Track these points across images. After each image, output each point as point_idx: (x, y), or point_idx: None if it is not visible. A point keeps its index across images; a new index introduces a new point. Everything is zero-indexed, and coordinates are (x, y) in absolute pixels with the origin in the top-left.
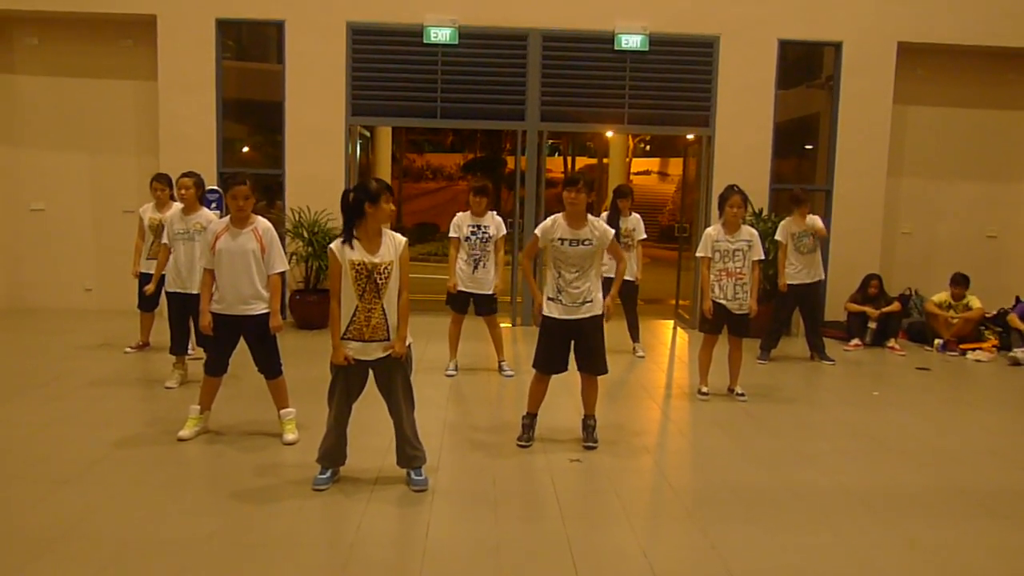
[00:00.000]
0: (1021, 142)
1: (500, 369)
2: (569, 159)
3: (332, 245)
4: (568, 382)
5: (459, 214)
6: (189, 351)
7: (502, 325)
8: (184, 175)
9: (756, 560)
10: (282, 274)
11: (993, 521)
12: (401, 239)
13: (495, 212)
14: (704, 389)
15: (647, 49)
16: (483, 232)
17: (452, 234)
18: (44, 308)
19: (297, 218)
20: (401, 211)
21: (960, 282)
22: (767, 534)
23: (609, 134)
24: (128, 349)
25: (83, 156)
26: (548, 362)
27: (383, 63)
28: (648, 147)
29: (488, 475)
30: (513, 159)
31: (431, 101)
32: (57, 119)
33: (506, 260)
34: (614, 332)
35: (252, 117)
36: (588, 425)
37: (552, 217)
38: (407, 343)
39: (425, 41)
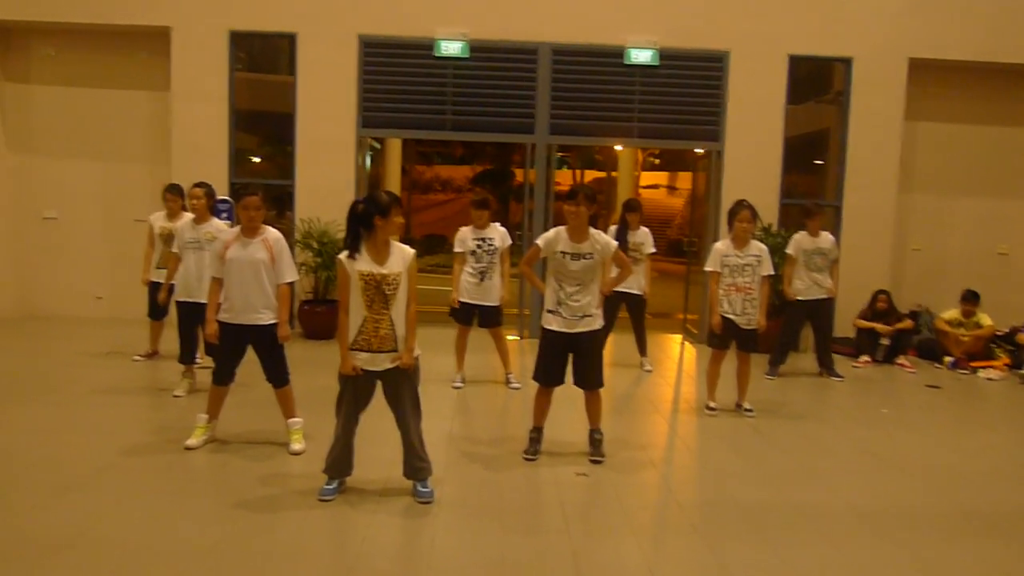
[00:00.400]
0: None
1: (507, 382)
2: (578, 172)
3: (341, 256)
4: (574, 396)
5: (462, 229)
6: (197, 360)
7: (508, 338)
8: (196, 185)
9: None
10: (291, 284)
11: (1001, 542)
12: (410, 251)
13: (498, 224)
14: (712, 404)
15: (657, 63)
16: (488, 244)
17: (457, 249)
18: (55, 316)
19: (307, 229)
20: (410, 223)
21: (970, 299)
22: (773, 552)
23: (618, 148)
24: (137, 357)
25: (96, 165)
26: (546, 374)
27: (394, 75)
28: (657, 161)
29: (494, 488)
30: (522, 172)
31: (441, 113)
32: (71, 129)
33: (513, 272)
34: (621, 346)
35: (263, 128)
36: (594, 439)
37: (555, 229)
38: (415, 354)
39: (436, 54)
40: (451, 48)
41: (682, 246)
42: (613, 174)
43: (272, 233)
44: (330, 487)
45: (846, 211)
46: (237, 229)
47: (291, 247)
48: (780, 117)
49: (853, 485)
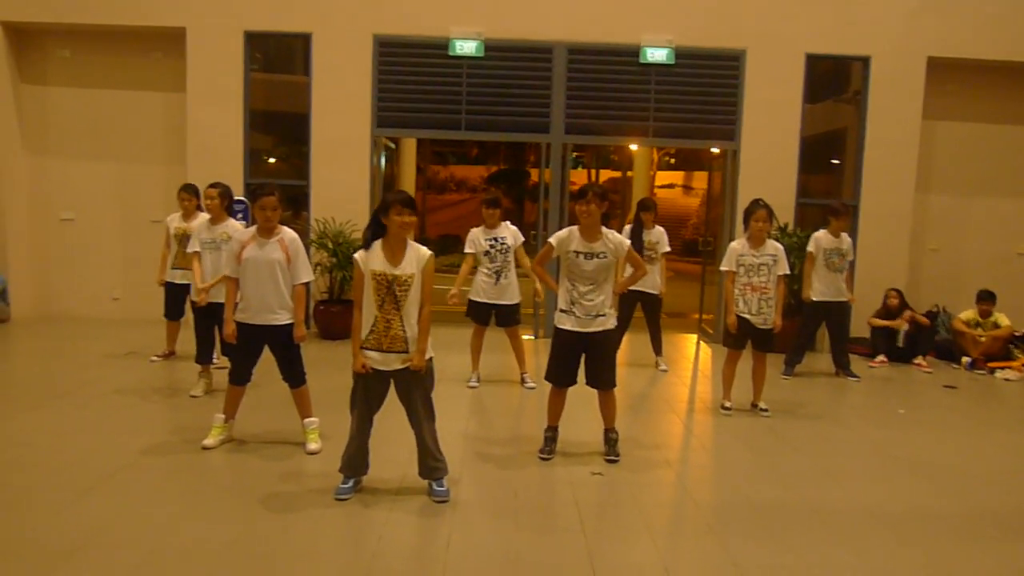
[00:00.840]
0: None
1: (522, 381)
2: (593, 172)
3: (356, 254)
4: (590, 396)
5: (474, 230)
6: (214, 360)
7: (524, 337)
8: (211, 186)
9: None
10: (307, 284)
11: (1019, 543)
12: (426, 252)
13: (508, 222)
14: (727, 404)
15: (673, 62)
16: (501, 243)
17: (468, 250)
18: (72, 316)
19: (322, 229)
20: (424, 222)
21: (986, 298)
22: (789, 552)
23: (633, 147)
24: (154, 358)
25: (112, 166)
26: (559, 374)
27: (409, 75)
28: (673, 160)
29: (509, 487)
30: (537, 172)
31: (456, 113)
32: (87, 130)
33: (519, 272)
34: (637, 346)
35: (278, 128)
36: (610, 438)
37: (568, 229)
38: (428, 357)
39: (451, 53)
40: (466, 48)
41: (697, 246)
42: (628, 174)
43: (288, 233)
44: (346, 486)
45: (863, 211)
46: (253, 229)
47: (306, 247)
48: (797, 116)
49: (869, 485)
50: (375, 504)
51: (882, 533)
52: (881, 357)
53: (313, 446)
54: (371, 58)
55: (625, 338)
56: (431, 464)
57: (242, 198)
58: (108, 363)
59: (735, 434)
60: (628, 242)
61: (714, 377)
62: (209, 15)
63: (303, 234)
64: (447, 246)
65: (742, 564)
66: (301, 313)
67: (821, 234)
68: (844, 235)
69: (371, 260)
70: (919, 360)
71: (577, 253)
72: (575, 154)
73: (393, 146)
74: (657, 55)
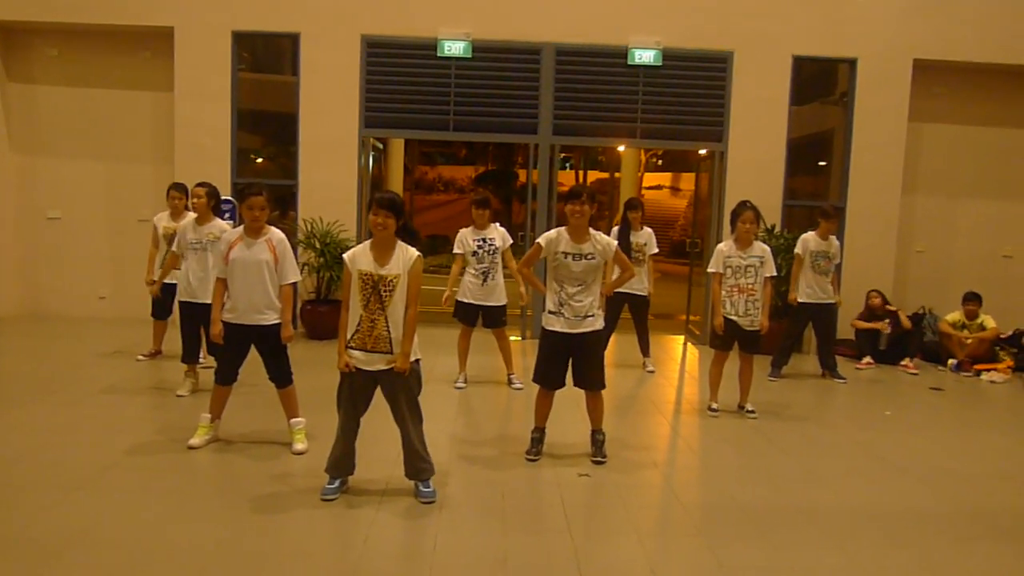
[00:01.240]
0: None
1: (509, 382)
2: (581, 173)
3: (345, 254)
4: (576, 397)
5: (462, 230)
6: (200, 360)
7: (511, 338)
8: (198, 185)
9: None
10: (294, 285)
11: (1006, 544)
12: (413, 253)
13: (498, 224)
14: (714, 405)
15: (660, 64)
16: (489, 244)
17: (457, 250)
18: (58, 315)
19: (309, 229)
20: (412, 223)
21: (972, 299)
22: (776, 554)
23: (621, 148)
24: (140, 357)
25: (100, 165)
26: (547, 376)
27: (397, 76)
28: (660, 162)
29: (496, 488)
30: (525, 172)
31: (444, 114)
32: (75, 129)
33: (506, 273)
34: (624, 347)
35: (266, 128)
36: (596, 440)
37: (556, 230)
38: (414, 359)
39: (439, 54)
40: (454, 48)
41: (685, 247)
42: (616, 175)
43: (276, 234)
44: (332, 486)
45: (850, 213)
46: (241, 229)
47: (294, 247)
48: (784, 118)
49: (856, 487)
50: (362, 505)
51: (870, 534)
52: (867, 359)
53: (300, 446)
54: (359, 58)
55: (612, 339)
56: (418, 465)
57: (229, 198)
58: (94, 362)
59: (722, 435)
60: (616, 243)
61: (701, 378)
62: (197, 15)
63: (291, 234)
64: (435, 247)
65: (728, 565)
66: (288, 313)
67: (809, 236)
68: (832, 238)
69: (359, 260)
70: (906, 362)
71: (565, 254)
72: (563, 155)
73: (381, 146)
74: (645, 56)
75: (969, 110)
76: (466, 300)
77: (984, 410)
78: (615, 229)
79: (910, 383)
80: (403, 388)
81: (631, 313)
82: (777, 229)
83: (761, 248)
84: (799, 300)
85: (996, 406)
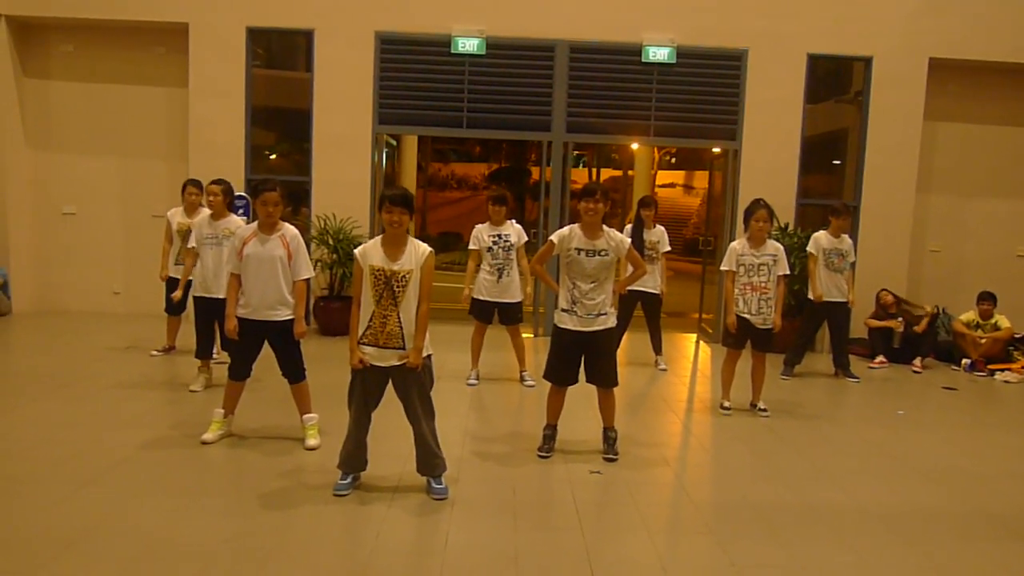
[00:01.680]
0: None
1: (521, 379)
2: (594, 171)
3: (357, 250)
4: (589, 394)
5: (478, 226)
6: (214, 355)
7: (524, 335)
8: (213, 182)
9: None
10: (307, 281)
11: (1017, 544)
12: (425, 249)
13: (514, 220)
14: (726, 404)
15: (674, 61)
16: (505, 241)
17: (472, 246)
18: (73, 310)
19: (323, 225)
20: (425, 220)
21: (987, 299)
22: (787, 552)
23: (635, 146)
24: (154, 352)
25: (114, 161)
26: (559, 374)
27: (410, 72)
28: (673, 160)
29: (508, 485)
30: (538, 170)
31: (457, 111)
32: (90, 125)
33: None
34: (636, 345)
35: (280, 124)
36: (608, 437)
37: (569, 227)
38: (426, 355)
39: (452, 51)
40: (468, 45)
41: (698, 245)
42: (630, 172)
43: (289, 230)
44: (344, 482)
45: (864, 211)
46: (255, 225)
47: (307, 243)
48: (798, 116)
49: (868, 486)
50: (373, 500)
51: (881, 533)
52: (880, 358)
53: (312, 442)
54: (373, 55)
55: (625, 337)
56: (430, 460)
57: (243, 194)
58: (108, 357)
59: (734, 434)
60: (629, 241)
61: (713, 377)
62: (212, 11)
63: (304, 230)
64: (448, 243)
65: (740, 563)
66: (301, 309)
67: (821, 234)
68: (845, 236)
69: (370, 255)
70: (916, 362)
71: (579, 251)
72: (576, 152)
73: (394, 143)
74: (659, 54)
75: (984, 109)
76: (481, 297)
77: (997, 410)
78: (628, 227)
79: (923, 382)
80: (415, 383)
81: (644, 311)
82: (790, 228)
83: (774, 247)
84: (810, 297)
85: (1010, 406)
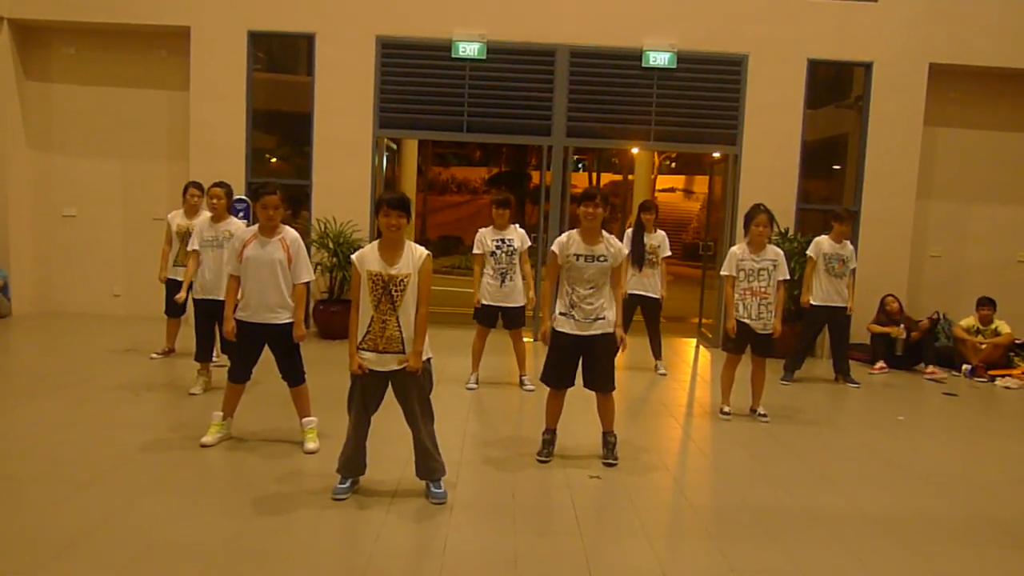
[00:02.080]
0: None
1: (521, 383)
2: (594, 175)
3: (354, 255)
4: (589, 399)
5: (481, 230)
6: (214, 358)
7: (524, 340)
8: (215, 185)
9: None
10: (307, 284)
11: (1018, 550)
12: (422, 252)
13: (517, 225)
14: (726, 409)
15: (675, 66)
16: (508, 245)
17: (476, 250)
18: (73, 312)
19: (323, 229)
20: (425, 224)
21: (986, 304)
22: (786, 557)
23: (635, 151)
24: (154, 355)
25: (115, 163)
26: (556, 377)
27: (411, 76)
28: (674, 164)
29: (507, 489)
30: (538, 174)
31: (458, 115)
32: (91, 127)
33: (532, 274)
34: (636, 349)
35: (281, 128)
36: (608, 442)
37: (567, 233)
38: (426, 358)
39: (453, 55)
40: (468, 49)
41: (698, 249)
42: (630, 177)
43: (290, 233)
44: (343, 486)
45: (864, 217)
46: (255, 228)
47: (307, 247)
48: (798, 121)
49: (868, 491)
50: (372, 505)
51: (881, 539)
52: (881, 363)
53: (311, 445)
54: (374, 59)
55: None
56: (429, 464)
57: (243, 197)
58: (108, 359)
59: (734, 439)
60: (627, 252)
61: (713, 382)
62: (214, 14)
63: (304, 234)
64: (448, 247)
65: (739, 568)
66: (301, 312)
67: (823, 239)
68: (847, 242)
69: (367, 260)
70: (931, 369)
71: (578, 256)
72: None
73: (395, 147)
74: (659, 59)
75: (984, 115)
76: (485, 302)
77: (998, 416)
78: (628, 232)
79: (924, 388)
80: (415, 387)
81: (643, 315)
82: (791, 233)
83: (774, 252)
84: (812, 303)
85: (1010, 412)
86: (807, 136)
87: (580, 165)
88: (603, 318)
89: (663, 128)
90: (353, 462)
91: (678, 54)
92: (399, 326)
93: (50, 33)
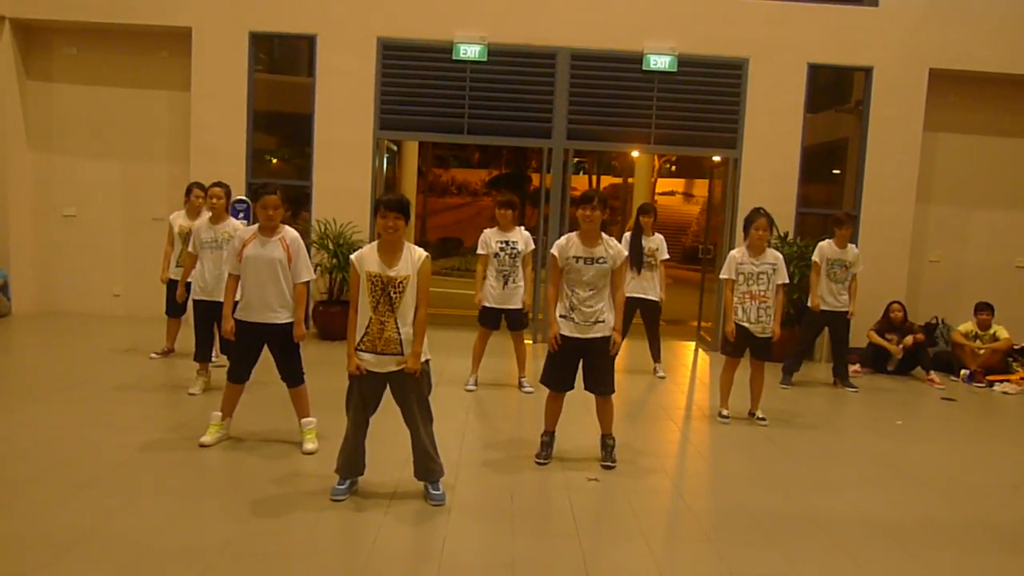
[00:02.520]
0: None
1: (520, 385)
2: (594, 178)
3: (353, 256)
4: (588, 401)
5: (487, 230)
6: (213, 358)
7: (525, 342)
8: (215, 185)
9: None
10: (307, 284)
11: (1016, 555)
12: (421, 254)
13: (522, 227)
14: (724, 412)
15: (675, 70)
16: (512, 248)
17: (480, 251)
18: (73, 312)
19: (323, 230)
20: (425, 225)
21: (984, 308)
22: (785, 561)
23: (635, 154)
24: (153, 355)
25: (116, 164)
26: (555, 379)
27: (412, 78)
28: (674, 168)
29: (505, 491)
30: (538, 176)
31: (458, 117)
32: (92, 127)
33: (533, 276)
34: (635, 352)
35: (282, 129)
36: (607, 444)
37: (566, 236)
38: (424, 360)
39: (454, 57)
40: (469, 52)
41: (697, 253)
42: (630, 180)
43: (289, 232)
44: (342, 487)
45: (864, 221)
46: (255, 228)
47: (307, 248)
48: (798, 125)
49: (866, 495)
50: (371, 506)
51: (879, 542)
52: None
53: (310, 446)
54: (375, 61)
55: (624, 344)
56: (428, 465)
57: (243, 198)
58: (107, 359)
59: (732, 442)
60: (626, 254)
61: (712, 385)
62: (215, 15)
63: (304, 235)
64: (447, 249)
65: (738, 572)
66: (301, 312)
67: (825, 244)
68: (851, 246)
69: (366, 261)
70: (932, 375)
71: (577, 258)
72: (576, 160)
73: (395, 148)
74: (660, 62)
75: (984, 120)
76: (489, 304)
77: (996, 421)
78: (627, 235)
79: (922, 393)
80: (414, 388)
81: (642, 319)
82: (790, 236)
83: (773, 255)
84: (809, 305)
85: (1008, 417)
86: (807, 140)
87: (580, 168)
88: (603, 321)
89: (663, 131)
90: (352, 462)
91: (679, 57)
92: (397, 327)
93: (51, 33)
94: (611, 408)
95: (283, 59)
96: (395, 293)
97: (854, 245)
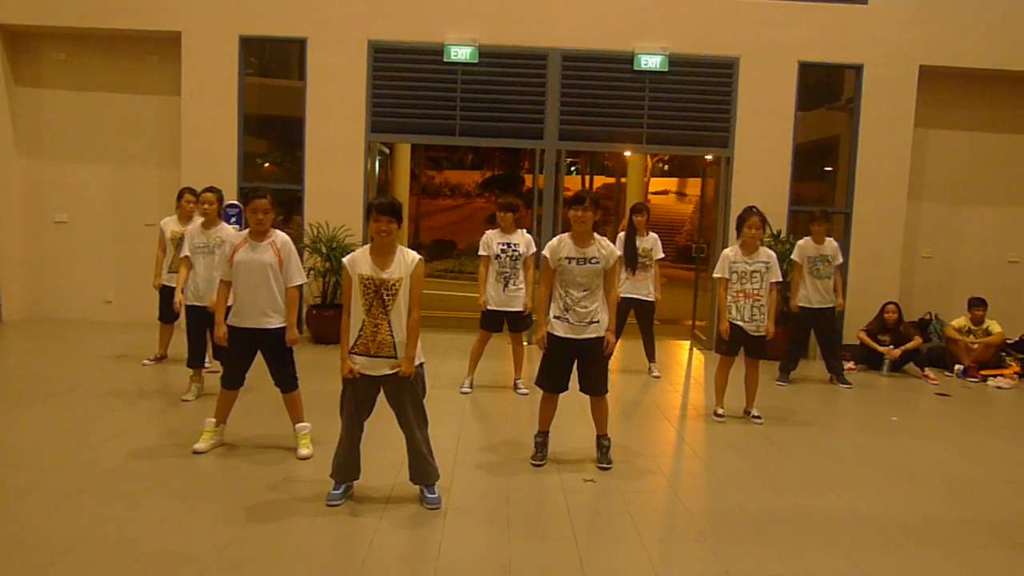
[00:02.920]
0: None
1: (515, 387)
2: (587, 178)
3: (345, 259)
4: (582, 402)
5: (488, 232)
6: (206, 364)
7: (523, 343)
8: (207, 190)
9: None
10: (300, 288)
11: (1012, 551)
12: (414, 256)
13: (525, 230)
14: (720, 411)
15: (667, 69)
16: (513, 250)
17: (482, 252)
18: (64, 319)
19: (316, 233)
20: (418, 227)
21: (977, 304)
22: (781, 559)
23: (627, 154)
24: (146, 361)
25: (106, 169)
26: (550, 380)
27: (403, 80)
28: (666, 167)
29: (501, 493)
30: (531, 178)
31: (450, 119)
32: (82, 133)
33: (535, 278)
34: (630, 352)
35: (273, 132)
36: (602, 445)
37: (558, 237)
38: (418, 363)
39: (445, 59)
40: (461, 53)
41: (691, 252)
42: (622, 180)
43: (280, 236)
44: (337, 492)
45: (856, 218)
46: (246, 232)
47: (300, 252)
48: (790, 124)
49: (862, 493)
50: (366, 510)
51: (875, 540)
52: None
53: (304, 451)
54: (366, 63)
55: (619, 344)
56: (423, 469)
57: (235, 202)
58: (100, 365)
59: (728, 441)
60: (619, 253)
61: (707, 384)
62: (205, 19)
63: (296, 239)
64: (441, 251)
65: (734, 571)
66: (293, 316)
67: (804, 242)
68: (829, 240)
69: (359, 264)
70: (927, 372)
71: (569, 259)
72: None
73: (387, 151)
74: (651, 62)
75: (975, 116)
76: (491, 307)
77: (991, 416)
78: (621, 234)
79: (917, 389)
80: (408, 392)
81: (637, 318)
82: (783, 235)
83: (767, 254)
84: (800, 305)
85: (1003, 412)
86: (799, 138)
87: (573, 168)
88: (597, 321)
89: (655, 131)
90: (347, 467)
91: (670, 57)
92: (391, 330)
93: (40, 39)
94: (606, 408)
95: (274, 62)
96: (388, 296)
97: (831, 239)
